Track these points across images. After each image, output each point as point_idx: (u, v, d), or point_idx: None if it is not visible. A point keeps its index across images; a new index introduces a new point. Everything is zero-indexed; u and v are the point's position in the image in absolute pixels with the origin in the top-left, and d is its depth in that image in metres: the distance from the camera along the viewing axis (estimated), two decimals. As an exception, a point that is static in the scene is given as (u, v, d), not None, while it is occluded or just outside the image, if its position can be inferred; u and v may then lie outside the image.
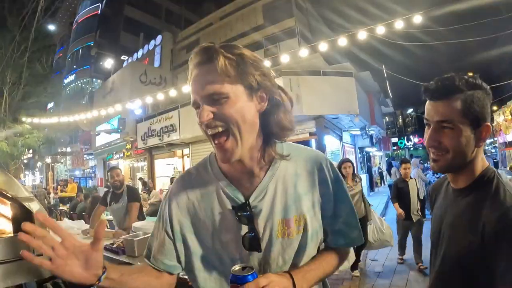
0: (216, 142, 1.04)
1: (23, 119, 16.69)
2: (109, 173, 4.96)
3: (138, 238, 3.18)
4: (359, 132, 15.85)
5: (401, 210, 5.78)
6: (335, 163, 3.95)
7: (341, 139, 15.03)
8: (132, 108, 14.38)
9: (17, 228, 3.52)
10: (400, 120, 37.96)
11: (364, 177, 17.13)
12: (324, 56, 11.64)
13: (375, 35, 7.28)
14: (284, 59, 8.48)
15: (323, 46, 7.82)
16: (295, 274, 1.07)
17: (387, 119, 32.19)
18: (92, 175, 26.37)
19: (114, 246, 3.39)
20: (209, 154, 1.24)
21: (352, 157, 17.72)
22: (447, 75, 1.15)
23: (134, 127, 17.20)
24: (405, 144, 37.21)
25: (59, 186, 19.43)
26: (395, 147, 35.58)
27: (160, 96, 10.96)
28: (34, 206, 3.34)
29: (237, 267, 1.00)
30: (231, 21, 20.08)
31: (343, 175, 4.66)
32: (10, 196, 3.34)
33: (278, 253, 1.11)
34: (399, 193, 5.97)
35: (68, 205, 13.24)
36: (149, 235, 3.04)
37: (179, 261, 1.19)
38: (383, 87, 20.01)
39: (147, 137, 16.13)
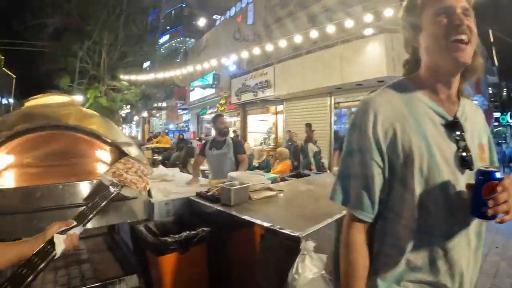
0: (460, 45, 1.06)
1: (121, 76, 18.24)
2: (217, 120, 5.05)
3: (235, 187, 3.09)
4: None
5: None
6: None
7: (441, 107, 13.70)
8: (227, 64, 14.71)
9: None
10: (505, 93, 33.91)
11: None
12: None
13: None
14: (388, 12, 8.01)
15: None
16: None
17: (491, 90, 29.02)
18: (186, 128, 27.51)
19: (210, 193, 3.34)
20: (394, 81, 1.23)
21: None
22: None
23: (228, 83, 17.48)
24: (507, 121, 33.41)
25: (153, 139, 20.79)
26: (496, 123, 32.10)
27: (257, 51, 11.00)
28: (133, 151, 3.35)
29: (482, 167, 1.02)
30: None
31: None
32: (109, 141, 3.36)
33: None
34: None
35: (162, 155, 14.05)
36: (246, 185, 3.00)
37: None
38: (490, 52, 18.06)
39: (241, 92, 16.32)
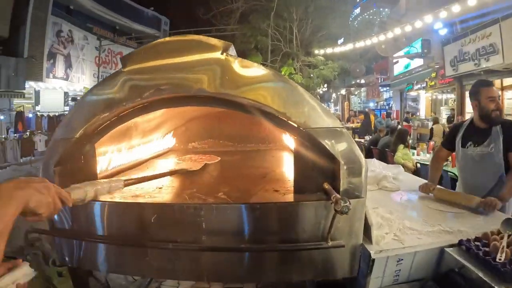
0: None
1: (316, 51, 17.86)
2: (481, 90, 2.89)
3: None
4: None
5: None
6: None
7: None
8: (436, 26, 12.72)
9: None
10: None
11: None
12: None
13: None
14: None
15: None
16: None
17: None
18: (387, 107, 25.80)
19: (500, 258, 1.58)
20: None
21: None
22: None
23: (440, 51, 14.54)
24: None
25: (352, 118, 19.79)
26: None
27: (472, 2, 8.91)
28: (341, 147, 1.91)
29: None
30: None
31: None
32: (295, 125, 1.94)
33: None
34: None
35: (366, 137, 12.53)
36: None
37: None
38: None
39: (457, 62, 13.27)
